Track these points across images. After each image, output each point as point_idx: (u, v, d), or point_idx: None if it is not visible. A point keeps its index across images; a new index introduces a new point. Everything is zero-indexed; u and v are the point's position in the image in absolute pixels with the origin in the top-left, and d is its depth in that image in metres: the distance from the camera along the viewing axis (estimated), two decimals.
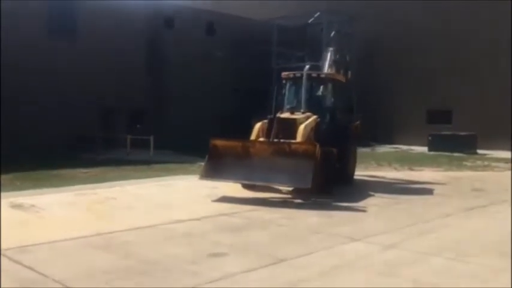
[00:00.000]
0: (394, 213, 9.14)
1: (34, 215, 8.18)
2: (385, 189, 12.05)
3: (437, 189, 12.29)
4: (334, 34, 30.49)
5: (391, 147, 28.85)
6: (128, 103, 26.39)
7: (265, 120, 11.16)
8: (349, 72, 31.68)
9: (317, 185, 9.50)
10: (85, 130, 23.86)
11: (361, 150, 25.67)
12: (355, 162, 13.47)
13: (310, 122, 11.00)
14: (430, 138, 26.36)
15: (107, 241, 6.70)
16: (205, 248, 6.38)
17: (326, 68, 13.92)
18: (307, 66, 12.68)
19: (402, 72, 30.19)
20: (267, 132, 10.87)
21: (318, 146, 9.83)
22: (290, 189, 10.75)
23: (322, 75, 12.97)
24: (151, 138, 23.06)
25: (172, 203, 9.72)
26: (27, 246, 6.21)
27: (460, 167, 18.65)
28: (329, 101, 12.86)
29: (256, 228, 7.68)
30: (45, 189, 10.97)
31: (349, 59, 31.42)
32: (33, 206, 8.78)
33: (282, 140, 10.47)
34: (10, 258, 5.69)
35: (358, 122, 13.76)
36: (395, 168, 17.68)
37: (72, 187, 11.46)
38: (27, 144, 20.77)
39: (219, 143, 10.50)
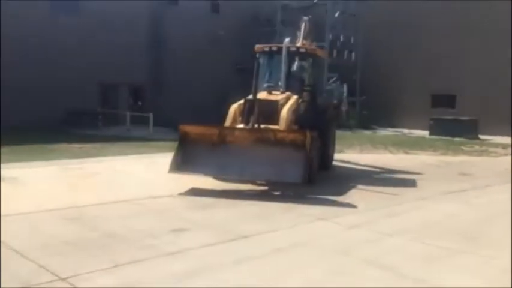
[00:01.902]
0: (370, 195, 9.15)
1: (13, 187, 8.37)
2: (367, 173, 12.05)
3: (424, 173, 12.29)
4: (338, 15, 30.17)
5: (392, 131, 28.71)
6: (129, 79, 26.51)
7: (241, 102, 9.74)
8: (353, 54, 31.55)
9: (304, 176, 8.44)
10: (85, 105, 24.05)
11: (362, 133, 25.84)
12: (334, 146, 12.56)
13: (292, 105, 9.91)
14: (431, 122, 26.18)
15: (79, 214, 6.88)
16: (170, 223, 6.52)
17: (300, 40, 12.29)
18: (287, 40, 11.03)
19: (408, 55, 29.85)
20: (247, 116, 9.20)
21: (308, 135, 8.78)
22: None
23: (302, 50, 11.33)
24: (151, 115, 23.32)
25: (154, 179, 9.81)
26: None
27: (456, 151, 18.54)
28: (309, 79, 11.45)
29: (226, 206, 7.75)
30: (33, 163, 11.16)
31: (354, 41, 31.36)
32: (15, 178, 8.98)
33: (262, 126, 9.20)
34: None
35: (336, 102, 13.11)
36: (391, 152, 17.63)
37: (60, 161, 11.68)
38: (25, 117, 21.00)
39: (191, 129, 9.14)
